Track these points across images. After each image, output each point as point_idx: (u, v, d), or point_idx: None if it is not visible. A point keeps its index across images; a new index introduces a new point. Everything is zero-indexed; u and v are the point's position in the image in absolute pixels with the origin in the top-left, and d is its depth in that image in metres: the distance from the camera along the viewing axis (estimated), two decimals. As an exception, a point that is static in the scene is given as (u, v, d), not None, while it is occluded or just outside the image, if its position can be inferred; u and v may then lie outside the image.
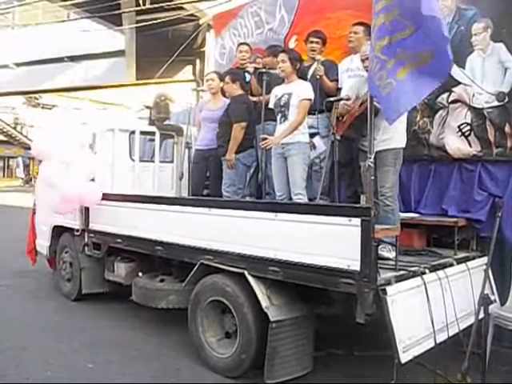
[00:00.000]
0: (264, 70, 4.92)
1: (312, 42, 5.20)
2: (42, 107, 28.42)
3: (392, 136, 4.07)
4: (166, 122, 6.45)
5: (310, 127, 4.76)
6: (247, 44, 6.01)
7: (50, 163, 5.58)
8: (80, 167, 5.43)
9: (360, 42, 4.76)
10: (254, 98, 5.35)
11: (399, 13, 3.11)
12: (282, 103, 4.64)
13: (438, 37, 3.01)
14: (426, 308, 3.38)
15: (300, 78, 4.70)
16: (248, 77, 5.53)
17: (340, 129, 4.48)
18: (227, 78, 5.33)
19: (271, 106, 4.76)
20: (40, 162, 6.42)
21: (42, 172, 5.96)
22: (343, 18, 5.30)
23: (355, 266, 3.12)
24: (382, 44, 3.21)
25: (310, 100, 4.53)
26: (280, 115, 4.67)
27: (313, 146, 4.81)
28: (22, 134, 28.89)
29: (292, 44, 5.97)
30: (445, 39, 3.02)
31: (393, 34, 3.15)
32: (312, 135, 4.77)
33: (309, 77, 4.97)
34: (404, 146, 4.22)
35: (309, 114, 4.67)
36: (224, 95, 5.59)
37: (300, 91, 4.54)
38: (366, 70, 3.93)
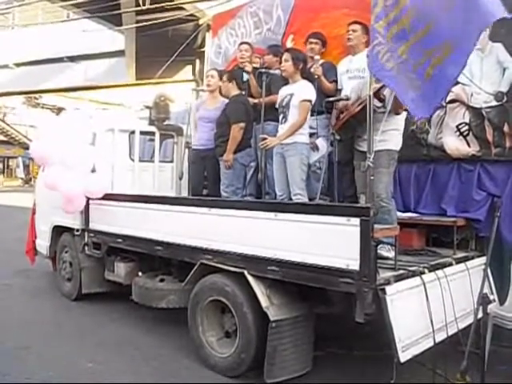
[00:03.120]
0: (264, 70, 4.92)
1: (311, 43, 5.22)
2: (42, 107, 28.40)
3: (388, 138, 4.10)
4: (166, 122, 6.46)
5: (309, 128, 4.76)
6: (248, 43, 6.00)
7: (51, 168, 5.61)
8: (80, 162, 5.45)
9: (359, 40, 4.77)
10: (255, 100, 5.34)
11: (415, 13, 3.24)
12: (283, 104, 4.65)
13: (455, 29, 3.12)
14: (425, 307, 3.38)
15: (306, 78, 4.69)
16: (246, 76, 5.53)
17: (336, 124, 4.49)
18: (224, 77, 5.35)
19: (277, 106, 4.77)
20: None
21: (42, 177, 5.96)
22: (339, 18, 5.29)
23: (354, 265, 3.13)
24: (407, 47, 3.30)
25: (310, 101, 4.53)
26: (282, 116, 4.68)
27: (316, 148, 4.81)
28: (20, 133, 28.85)
29: (289, 43, 5.97)
30: (463, 31, 3.11)
31: (414, 33, 3.25)
32: (311, 135, 4.78)
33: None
34: (398, 149, 4.24)
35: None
36: (221, 94, 5.61)
37: (301, 92, 4.54)
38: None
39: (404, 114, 4.24)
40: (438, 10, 3.20)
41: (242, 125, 5.08)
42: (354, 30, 4.81)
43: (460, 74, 3.38)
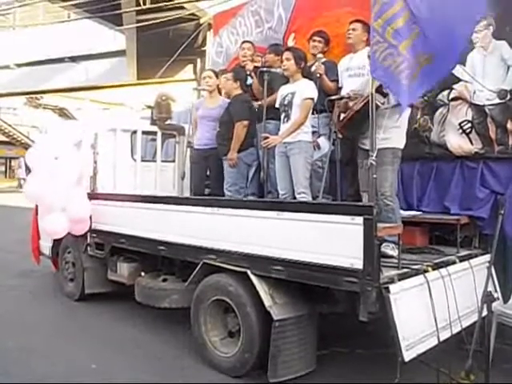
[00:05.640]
0: (265, 69, 4.92)
1: (314, 41, 5.23)
2: (44, 108, 28.43)
3: (392, 136, 4.10)
4: (168, 122, 6.46)
5: (311, 126, 4.75)
6: (250, 42, 6.00)
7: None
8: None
9: (359, 38, 4.76)
10: (258, 102, 5.31)
11: (409, 15, 3.31)
12: (285, 102, 4.64)
13: (440, 39, 3.27)
14: (429, 306, 3.37)
15: (305, 77, 4.69)
16: (250, 80, 5.52)
17: (340, 123, 4.48)
18: (229, 75, 5.32)
19: (277, 105, 4.76)
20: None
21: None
22: (341, 16, 5.29)
23: (358, 264, 3.12)
24: (408, 44, 3.33)
25: (312, 99, 4.53)
26: (284, 114, 4.68)
27: (317, 146, 4.80)
28: (22, 134, 28.90)
29: (291, 42, 5.97)
30: (450, 41, 3.27)
31: (409, 34, 3.33)
32: (313, 133, 4.76)
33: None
34: (402, 147, 4.24)
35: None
36: (220, 93, 5.59)
37: (303, 90, 4.53)
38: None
39: (408, 112, 4.22)
40: (426, 20, 3.31)
41: (246, 123, 5.06)
42: (353, 29, 4.81)
43: (436, 82, 3.70)
